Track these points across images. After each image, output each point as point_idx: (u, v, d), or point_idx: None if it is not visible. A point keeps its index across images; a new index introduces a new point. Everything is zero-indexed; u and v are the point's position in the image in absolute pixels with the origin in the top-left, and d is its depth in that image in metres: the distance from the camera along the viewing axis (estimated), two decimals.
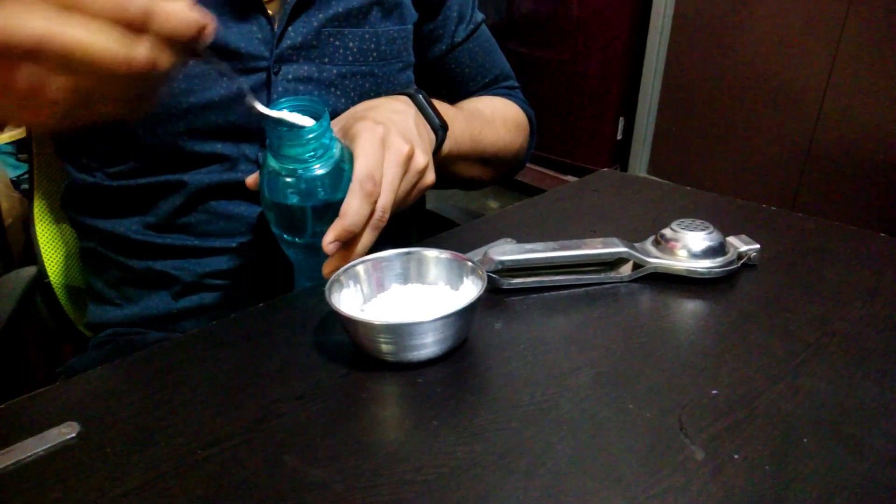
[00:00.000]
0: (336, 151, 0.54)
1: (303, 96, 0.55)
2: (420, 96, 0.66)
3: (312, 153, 0.53)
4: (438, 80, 0.84)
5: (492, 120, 0.80)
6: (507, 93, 0.88)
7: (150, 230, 0.70)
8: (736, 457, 0.38)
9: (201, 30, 0.41)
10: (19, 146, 1.91)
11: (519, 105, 0.87)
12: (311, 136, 0.52)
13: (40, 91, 0.37)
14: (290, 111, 0.53)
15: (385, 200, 0.54)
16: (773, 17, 1.96)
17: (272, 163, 0.54)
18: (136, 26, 0.38)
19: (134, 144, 0.67)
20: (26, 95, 0.37)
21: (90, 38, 0.36)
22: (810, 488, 0.36)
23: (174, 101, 0.64)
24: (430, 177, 0.60)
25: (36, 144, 0.87)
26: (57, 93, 0.37)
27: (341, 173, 0.54)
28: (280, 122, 0.52)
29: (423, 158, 0.58)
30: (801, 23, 1.90)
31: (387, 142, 0.56)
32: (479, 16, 0.85)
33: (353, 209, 0.52)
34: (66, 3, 0.36)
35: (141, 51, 0.38)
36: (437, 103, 0.69)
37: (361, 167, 0.53)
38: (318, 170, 0.53)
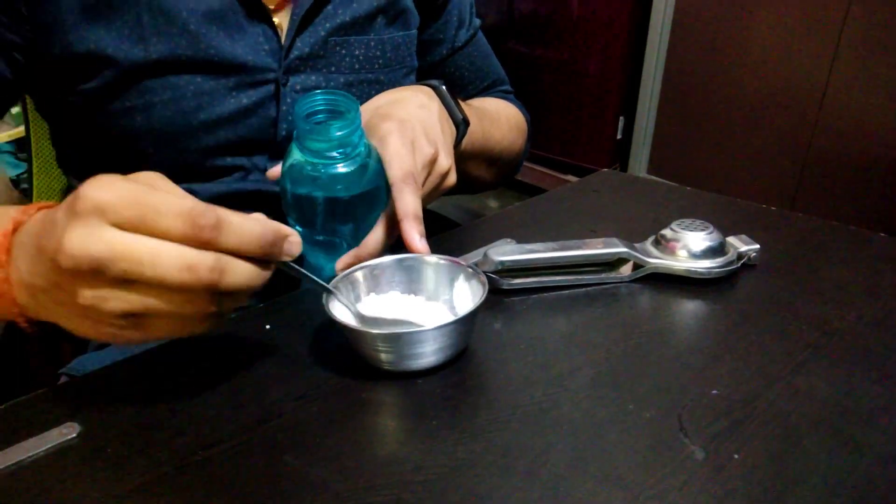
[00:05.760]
0: (363, 149, 0.54)
1: (335, 90, 0.54)
2: (444, 88, 0.65)
3: (340, 150, 0.52)
4: None
5: (497, 118, 0.80)
6: (503, 96, 0.89)
7: None
8: (736, 457, 0.38)
9: (280, 242, 0.41)
10: (19, 145, 1.91)
11: (517, 107, 0.88)
12: (339, 133, 0.51)
13: (105, 305, 0.37)
14: (323, 102, 0.53)
15: None
16: (773, 17, 1.96)
17: (297, 155, 0.53)
18: (204, 242, 0.37)
19: (144, 161, 0.65)
20: (89, 309, 0.37)
21: (158, 253, 0.36)
22: (810, 488, 0.36)
23: (183, 119, 0.63)
24: (452, 179, 0.60)
25: (35, 144, 0.87)
26: (122, 308, 0.37)
27: (365, 171, 0.54)
28: (314, 114, 0.52)
29: (446, 162, 0.58)
30: (801, 23, 1.90)
31: (415, 144, 0.56)
32: (477, 21, 0.85)
33: (412, 204, 0.51)
34: (137, 220, 0.36)
35: (206, 267, 0.37)
36: None
37: (398, 169, 0.52)
38: (343, 167, 0.53)
